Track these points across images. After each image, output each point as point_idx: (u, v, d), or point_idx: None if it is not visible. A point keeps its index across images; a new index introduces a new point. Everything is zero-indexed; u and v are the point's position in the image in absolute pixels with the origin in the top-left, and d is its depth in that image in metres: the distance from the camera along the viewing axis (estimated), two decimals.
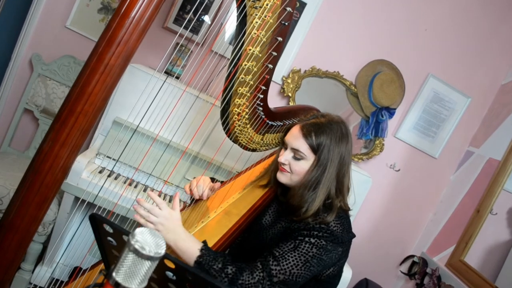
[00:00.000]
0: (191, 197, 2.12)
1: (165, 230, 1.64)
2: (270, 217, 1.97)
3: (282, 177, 1.85)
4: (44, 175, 1.34)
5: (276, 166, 1.93)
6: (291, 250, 1.64)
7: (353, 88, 3.61)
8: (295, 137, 1.78)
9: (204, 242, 1.67)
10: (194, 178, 2.10)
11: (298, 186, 1.78)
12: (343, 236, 1.71)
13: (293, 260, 1.62)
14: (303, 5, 3.44)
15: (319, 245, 1.65)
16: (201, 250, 1.62)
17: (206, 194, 2.03)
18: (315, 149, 1.75)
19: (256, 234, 1.92)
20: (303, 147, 1.75)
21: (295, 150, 1.78)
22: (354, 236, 1.79)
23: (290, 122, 2.10)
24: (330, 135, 1.75)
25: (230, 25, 3.14)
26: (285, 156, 1.81)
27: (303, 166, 1.77)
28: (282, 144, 1.89)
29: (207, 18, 3.38)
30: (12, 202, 1.36)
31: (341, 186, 1.81)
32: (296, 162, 1.79)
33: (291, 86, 3.49)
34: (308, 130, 1.76)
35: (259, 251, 1.75)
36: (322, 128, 1.76)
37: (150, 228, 1.57)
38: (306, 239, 1.66)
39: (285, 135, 1.88)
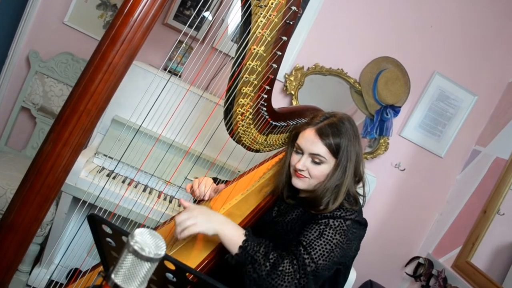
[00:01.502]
0: (193, 199, 2.13)
1: (207, 219, 1.65)
2: (280, 211, 1.97)
3: (300, 183, 1.84)
4: (46, 175, 1.34)
5: (287, 171, 1.93)
6: (317, 238, 1.66)
7: (357, 85, 3.62)
8: (312, 142, 1.77)
9: (247, 229, 1.69)
10: (196, 178, 2.11)
11: (320, 190, 1.78)
12: (361, 216, 1.76)
13: (319, 250, 1.63)
14: (306, 1, 3.45)
15: (341, 230, 1.68)
16: (246, 234, 1.65)
17: (208, 195, 2.03)
18: (334, 151, 1.75)
19: (268, 228, 1.93)
20: (322, 151, 1.75)
21: (313, 155, 1.78)
22: (367, 224, 1.81)
23: (294, 123, 2.11)
24: (346, 134, 1.77)
25: (232, 22, 3.14)
26: (303, 162, 1.80)
27: (323, 170, 1.78)
28: (292, 148, 1.89)
29: (208, 15, 3.39)
30: (13, 202, 1.37)
31: (359, 177, 1.85)
32: (316, 166, 1.79)
33: (294, 83, 3.50)
34: (325, 132, 1.76)
35: (275, 242, 1.77)
36: (338, 129, 1.76)
37: (193, 230, 1.63)
38: (331, 222, 1.69)
39: (293, 138, 1.88)
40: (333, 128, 1.77)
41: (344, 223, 1.69)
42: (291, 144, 1.90)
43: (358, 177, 1.85)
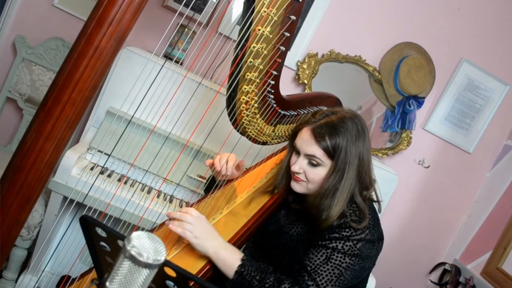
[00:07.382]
0: (209, 176, 2.17)
1: (203, 237, 1.70)
2: (288, 218, 1.97)
3: (297, 187, 1.84)
4: (27, 172, 1.33)
5: (287, 173, 1.92)
6: (323, 263, 1.67)
7: (377, 74, 3.59)
8: (307, 143, 1.75)
9: (245, 253, 1.74)
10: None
11: (314, 195, 1.79)
12: (373, 232, 1.72)
13: (326, 275, 1.65)
14: None
15: (351, 253, 1.67)
16: (242, 259, 1.68)
17: (231, 170, 2.08)
18: (331, 154, 1.73)
19: (274, 236, 1.93)
20: (318, 153, 1.73)
21: (309, 156, 1.76)
22: (383, 236, 1.79)
23: (305, 112, 2.09)
24: (346, 135, 1.73)
25: (237, 3, 3.11)
26: (299, 164, 1.79)
27: (320, 173, 1.76)
28: (292, 148, 1.87)
29: None
30: None
31: (365, 183, 1.81)
32: (312, 169, 1.77)
33: (307, 72, 3.47)
34: (320, 132, 1.73)
35: (281, 257, 1.83)
36: (335, 129, 1.73)
37: (189, 238, 1.68)
38: (339, 246, 1.68)
39: (292, 137, 1.87)
40: (330, 128, 1.73)
41: (355, 246, 1.68)
42: (291, 143, 1.90)
43: (366, 183, 1.81)
